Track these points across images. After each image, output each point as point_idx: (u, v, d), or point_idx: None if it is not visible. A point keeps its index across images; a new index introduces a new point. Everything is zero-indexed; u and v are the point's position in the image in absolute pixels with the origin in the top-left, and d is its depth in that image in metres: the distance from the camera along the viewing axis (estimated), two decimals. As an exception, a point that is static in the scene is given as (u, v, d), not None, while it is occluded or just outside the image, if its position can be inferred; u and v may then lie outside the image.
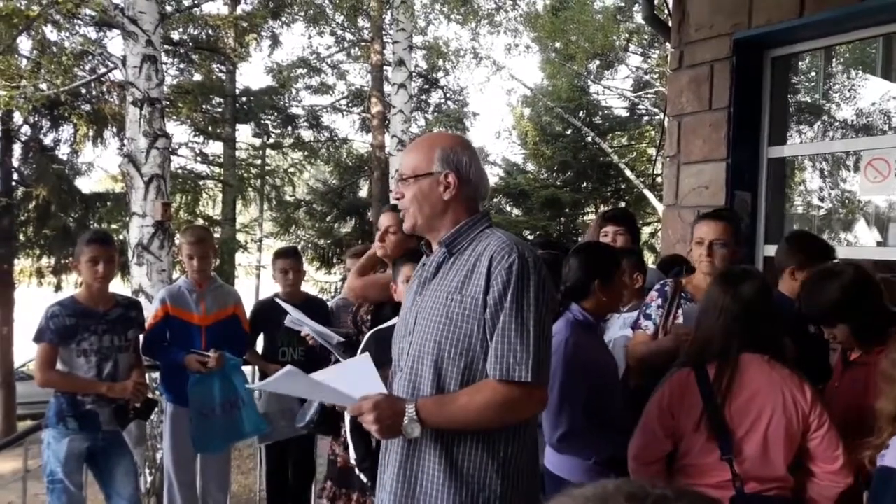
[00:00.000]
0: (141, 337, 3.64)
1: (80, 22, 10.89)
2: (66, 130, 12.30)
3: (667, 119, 5.25)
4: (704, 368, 2.22)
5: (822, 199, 5.55)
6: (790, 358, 2.24)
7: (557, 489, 2.04)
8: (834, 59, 5.02)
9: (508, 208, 17.80)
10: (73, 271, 3.84)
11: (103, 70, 11.24)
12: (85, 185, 13.68)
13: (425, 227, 1.94)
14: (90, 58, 11.41)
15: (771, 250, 4.40)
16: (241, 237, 15.39)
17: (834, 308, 2.38)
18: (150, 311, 3.90)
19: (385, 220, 3.23)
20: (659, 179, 15.13)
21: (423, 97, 17.72)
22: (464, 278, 1.83)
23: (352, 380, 1.88)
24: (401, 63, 10.71)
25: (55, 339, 3.26)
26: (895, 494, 1.76)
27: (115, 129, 11.90)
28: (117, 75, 10.36)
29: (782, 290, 3.00)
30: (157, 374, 4.20)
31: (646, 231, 16.10)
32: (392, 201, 8.36)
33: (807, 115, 5.20)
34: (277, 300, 3.79)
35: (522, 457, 1.86)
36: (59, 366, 3.30)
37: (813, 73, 5.14)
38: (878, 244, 4.83)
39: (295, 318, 3.39)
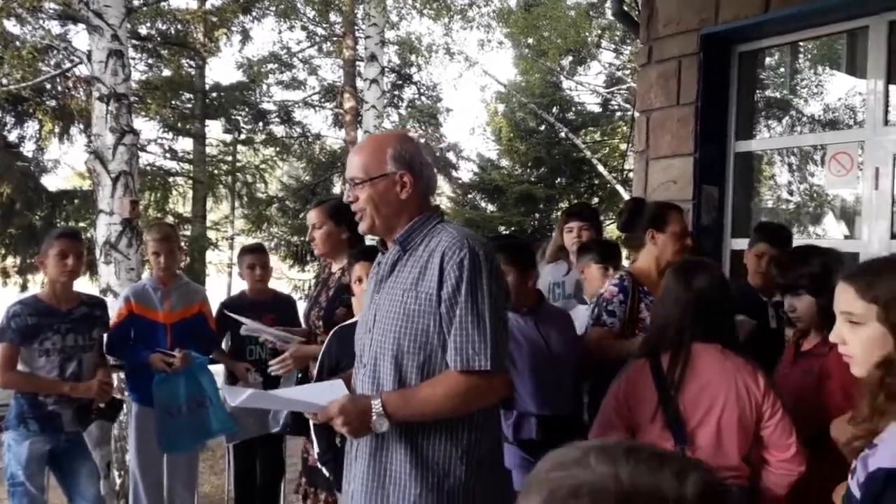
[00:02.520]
0: (105, 336, 3.59)
1: (43, 16, 10.66)
2: (31, 127, 12.03)
3: (636, 114, 5.28)
4: (658, 358, 2.24)
5: (790, 193, 5.62)
6: (743, 344, 2.27)
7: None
8: (800, 55, 5.07)
9: (483, 204, 17.81)
10: (40, 269, 3.78)
11: (68, 65, 11.01)
12: (51, 182, 13.39)
13: (383, 228, 1.95)
14: (54, 52, 11.17)
15: (738, 244, 4.45)
16: (212, 235, 15.16)
17: (812, 277, 2.40)
18: (114, 310, 3.83)
19: (310, 218, 3.19)
20: (631, 175, 15.23)
21: (396, 93, 17.63)
22: (418, 275, 1.86)
23: (318, 390, 1.99)
24: (373, 58, 10.65)
25: (16, 338, 3.19)
26: None
27: (81, 126, 11.68)
28: (83, 70, 10.16)
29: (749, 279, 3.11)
30: (123, 374, 4.13)
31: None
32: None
33: (774, 110, 5.26)
34: (227, 311, 3.76)
35: (484, 445, 1.91)
36: (20, 366, 3.23)
37: (781, 69, 5.20)
38: (846, 237, 4.89)
39: (251, 327, 3.35)
